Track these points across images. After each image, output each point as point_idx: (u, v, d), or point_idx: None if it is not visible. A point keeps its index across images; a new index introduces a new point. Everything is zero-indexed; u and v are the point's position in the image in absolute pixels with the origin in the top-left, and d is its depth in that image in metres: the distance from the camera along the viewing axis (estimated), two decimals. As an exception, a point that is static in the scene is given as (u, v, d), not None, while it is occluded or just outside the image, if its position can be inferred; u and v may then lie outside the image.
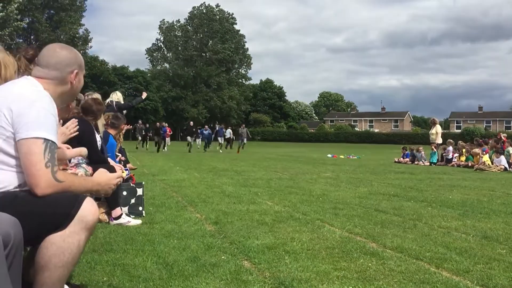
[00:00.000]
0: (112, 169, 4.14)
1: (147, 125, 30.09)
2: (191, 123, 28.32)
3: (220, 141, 28.67)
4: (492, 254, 3.63)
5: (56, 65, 2.22)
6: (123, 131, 7.10)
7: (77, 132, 3.39)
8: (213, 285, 2.82)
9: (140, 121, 29.71)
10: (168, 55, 71.82)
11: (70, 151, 3.19)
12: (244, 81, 75.87)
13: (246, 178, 9.79)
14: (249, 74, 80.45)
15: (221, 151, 26.96)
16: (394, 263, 3.32)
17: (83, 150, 3.42)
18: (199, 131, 29.35)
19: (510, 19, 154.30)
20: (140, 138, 28.08)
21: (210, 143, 28.36)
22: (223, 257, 3.44)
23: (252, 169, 12.74)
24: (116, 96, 9.46)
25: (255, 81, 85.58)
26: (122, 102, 9.43)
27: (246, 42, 74.39)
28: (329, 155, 22.83)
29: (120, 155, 7.91)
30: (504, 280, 2.95)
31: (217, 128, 30.39)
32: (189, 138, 26.53)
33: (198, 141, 28.20)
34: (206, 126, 31.17)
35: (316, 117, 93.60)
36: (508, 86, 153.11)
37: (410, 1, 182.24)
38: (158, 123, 28.41)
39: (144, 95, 10.92)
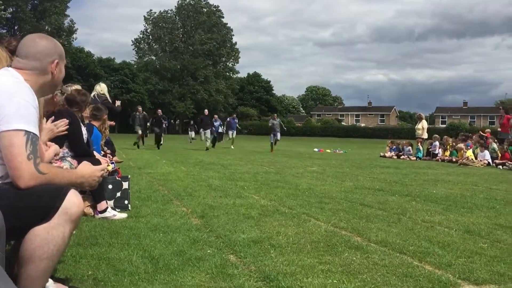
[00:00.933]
0: (97, 163, 4.11)
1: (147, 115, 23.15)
2: (206, 111, 22.39)
3: (230, 135, 24.22)
4: (474, 248, 3.69)
5: (36, 55, 2.19)
6: (107, 123, 7.05)
7: (65, 132, 3.36)
8: (199, 279, 2.83)
9: (139, 108, 21.91)
10: (155, 47, 71.27)
11: (48, 153, 3.16)
12: (231, 75, 75.65)
13: (232, 172, 9.80)
14: (237, 67, 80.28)
15: (232, 146, 22.95)
16: (378, 257, 3.36)
17: (56, 148, 3.38)
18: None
19: (495, 15, 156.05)
20: (139, 131, 20.43)
21: (221, 137, 24.75)
22: (209, 251, 3.45)
23: (238, 162, 12.75)
24: (100, 88, 9.36)
25: (242, 74, 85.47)
26: (107, 95, 9.32)
27: (233, 35, 74.12)
28: (316, 149, 22.93)
29: (106, 148, 7.87)
30: (485, 274, 3.00)
31: (228, 119, 25.21)
32: (202, 131, 21.37)
33: (207, 132, 20.99)
34: (216, 116, 26.36)
35: (303, 111, 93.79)
36: (492, 82, 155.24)
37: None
38: (159, 110, 23.19)
39: (118, 102, 10.68)
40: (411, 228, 4.43)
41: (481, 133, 17.72)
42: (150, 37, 70.60)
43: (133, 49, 71.09)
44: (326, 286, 2.75)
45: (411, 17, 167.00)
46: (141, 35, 70.99)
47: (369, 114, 78.71)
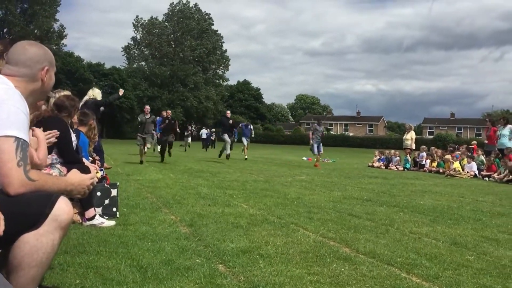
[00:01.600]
0: (86, 169, 4.10)
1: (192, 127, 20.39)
2: (228, 113, 18.83)
3: (245, 142, 20.11)
4: (460, 260, 3.72)
5: (26, 62, 2.20)
6: (96, 129, 7.02)
7: (54, 142, 3.35)
8: (187, 289, 2.82)
9: (147, 108, 15.05)
10: (145, 52, 71.12)
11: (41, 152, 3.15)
12: (221, 82, 75.70)
13: (221, 180, 9.79)
14: (227, 75, 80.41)
15: (246, 156, 19.36)
16: (367, 268, 3.37)
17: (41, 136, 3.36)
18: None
19: (482, 29, 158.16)
20: (147, 141, 14.95)
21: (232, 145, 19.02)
22: (197, 260, 3.44)
23: (227, 170, 12.74)
24: (93, 93, 9.35)
25: (232, 81, 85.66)
26: (99, 99, 9.31)
27: (224, 42, 74.21)
28: (304, 158, 22.97)
29: (95, 154, 7.82)
30: (471, 286, 3.03)
31: (240, 125, 21.24)
32: (226, 137, 17.44)
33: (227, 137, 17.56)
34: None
35: (292, 120, 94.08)
36: (479, 94, 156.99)
37: (387, 8, 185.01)
38: (169, 112, 17.57)
39: (121, 92, 10.88)
40: (399, 239, 4.46)
41: (468, 146, 17.92)
42: (140, 43, 70.46)
43: (123, 55, 70.91)
44: (315, 297, 2.76)
45: (400, 29, 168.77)
46: (131, 41, 70.87)
47: (358, 124, 79.20)
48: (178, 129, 16.55)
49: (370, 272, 3.29)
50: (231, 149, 17.69)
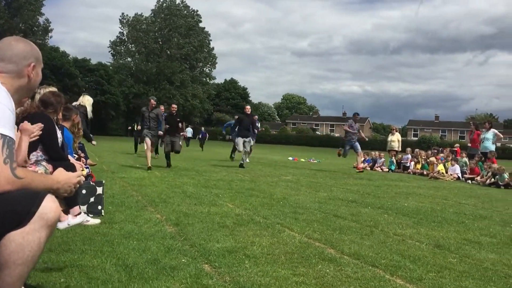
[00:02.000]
0: (72, 167, 4.06)
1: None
2: (248, 108, 14.85)
3: (251, 143, 15.64)
4: (443, 262, 3.78)
5: (12, 58, 2.17)
6: (80, 124, 6.96)
7: (38, 137, 3.32)
8: (173, 289, 2.82)
9: (152, 101, 12.36)
10: (131, 49, 70.62)
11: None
12: (208, 80, 75.49)
13: (207, 179, 9.77)
14: (214, 73, 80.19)
15: (248, 159, 15.27)
16: (351, 270, 3.40)
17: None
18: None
19: (467, 33, 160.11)
20: (147, 139, 11.93)
21: (188, 143, 17.84)
22: (183, 260, 3.44)
23: (213, 169, 12.72)
24: (82, 99, 9.30)
25: (219, 80, 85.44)
26: (88, 108, 9.08)
27: (211, 40, 74.03)
28: (290, 158, 23.04)
29: (80, 151, 7.76)
30: (454, 289, 3.07)
31: None
32: (240, 143, 13.97)
33: (246, 141, 14.22)
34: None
35: (279, 119, 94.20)
36: (463, 97, 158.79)
37: (374, 10, 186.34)
38: (174, 106, 13.69)
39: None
40: (383, 241, 4.50)
41: (451, 148, 18.17)
42: (126, 39, 69.96)
43: (109, 51, 70.36)
44: (300, 298, 2.78)
45: (386, 31, 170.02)
46: (118, 37, 70.32)
47: (344, 125, 79.59)
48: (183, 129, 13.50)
49: (355, 273, 3.32)
50: (249, 152, 14.57)
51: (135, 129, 19.89)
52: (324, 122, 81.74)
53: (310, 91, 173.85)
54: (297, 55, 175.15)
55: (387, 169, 17.15)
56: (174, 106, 13.38)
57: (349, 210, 6.47)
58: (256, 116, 14.53)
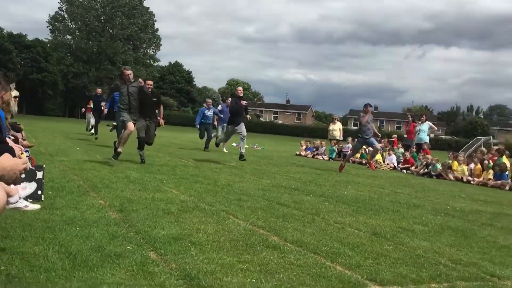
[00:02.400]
0: (11, 150, 3.91)
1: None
2: (240, 90, 12.08)
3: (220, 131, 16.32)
4: (380, 250, 3.98)
5: None
6: (12, 102, 6.67)
7: None
8: (119, 277, 2.81)
9: (127, 72, 9.49)
10: (71, 26, 67.75)
11: None
12: (152, 62, 73.90)
13: (150, 164, 9.64)
14: (158, 55, 78.57)
15: (225, 149, 16.41)
16: (294, 257, 3.53)
17: None
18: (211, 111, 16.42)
19: (407, 27, 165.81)
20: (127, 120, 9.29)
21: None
22: (128, 247, 3.43)
23: (157, 154, 12.55)
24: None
25: (163, 63, 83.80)
26: (13, 103, 8.26)
27: (156, 21, 72.38)
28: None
29: (14, 132, 7.45)
30: (389, 275, 3.26)
31: (220, 107, 16.94)
32: (229, 128, 11.97)
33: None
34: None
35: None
36: (401, 89, 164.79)
37: (321, 0, 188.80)
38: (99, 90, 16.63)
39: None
40: (324, 228, 4.68)
41: (389, 139, 18.95)
42: (66, 15, 67.03)
43: (47, 27, 67.15)
44: (245, 285, 2.85)
45: (331, 22, 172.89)
46: (57, 13, 67.21)
47: (287, 112, 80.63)
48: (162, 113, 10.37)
49: (298, 260, 3.45)
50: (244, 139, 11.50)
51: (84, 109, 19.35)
52: (268, 109, 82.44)
53: (255, 77, 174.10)
54: (243, 41, 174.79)
55: (328, 158, 17.62)
56: (150, 82, 9.93)
57: (292, 197, 6.64)
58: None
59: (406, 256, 3.84)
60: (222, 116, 16.06)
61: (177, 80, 79.18)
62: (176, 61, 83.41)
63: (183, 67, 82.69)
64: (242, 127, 11.27)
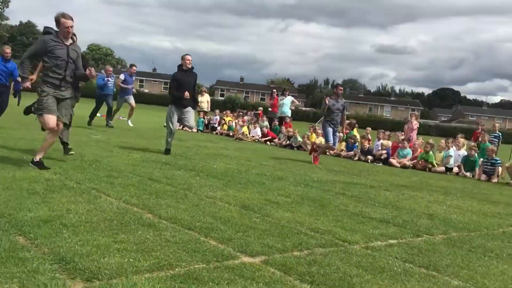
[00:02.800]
0: None
1: None
2: (188, 58, 9.50)
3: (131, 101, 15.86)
4: (249, 222, 4.28)
5: None
6: None
7: None
8: (-14, 266, 2.68)
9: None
10: None
11: None
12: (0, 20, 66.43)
13: (6, 137, 8.90)
14: (6, 12, 70.65)
15: (130, 122, 16.26)
16: (170, 234, 3.65)
17: None
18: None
19: (272, 0, 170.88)
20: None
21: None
22: (-7, 233, 3.25)
23: (12, 126, 11.57)
24: None
25: (13, 21, 75.81)
26: None
27: (4, -25, 64.92)
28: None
29: None
30: (258, 246, 3.56)
31: (123, 76, 16.20)
32: (175, 116, 9.64)
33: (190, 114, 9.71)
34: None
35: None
36: (265, 61, 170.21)
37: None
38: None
39: None
40: (197, 204, 4.86)
41: (255, 111, 19.74)
42: None
43: None
44: (123, 265, 2.91)
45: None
46: None
47: (154, 81, 78.86)
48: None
49: (173, 237, 3.58)
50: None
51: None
52: (133, 77, 79.66)
53: (118, 42, 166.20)
54: (105, 3, 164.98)
55: (196, 130, 17.80)
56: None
57: (163, 173, 6.69)
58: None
59: (272, 227, 4.19)
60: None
61: (30, 42, 72.32)
62: (28, 20, 76.19)
63: (37, 28, 75.81)
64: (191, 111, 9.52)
